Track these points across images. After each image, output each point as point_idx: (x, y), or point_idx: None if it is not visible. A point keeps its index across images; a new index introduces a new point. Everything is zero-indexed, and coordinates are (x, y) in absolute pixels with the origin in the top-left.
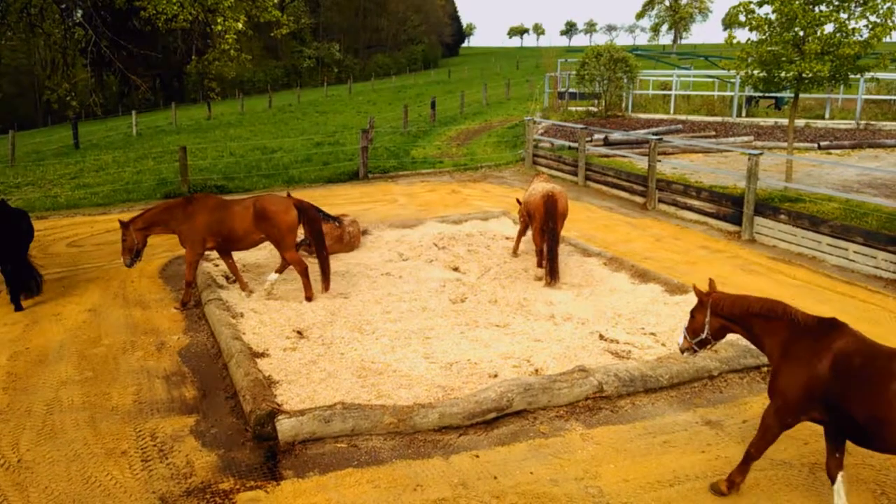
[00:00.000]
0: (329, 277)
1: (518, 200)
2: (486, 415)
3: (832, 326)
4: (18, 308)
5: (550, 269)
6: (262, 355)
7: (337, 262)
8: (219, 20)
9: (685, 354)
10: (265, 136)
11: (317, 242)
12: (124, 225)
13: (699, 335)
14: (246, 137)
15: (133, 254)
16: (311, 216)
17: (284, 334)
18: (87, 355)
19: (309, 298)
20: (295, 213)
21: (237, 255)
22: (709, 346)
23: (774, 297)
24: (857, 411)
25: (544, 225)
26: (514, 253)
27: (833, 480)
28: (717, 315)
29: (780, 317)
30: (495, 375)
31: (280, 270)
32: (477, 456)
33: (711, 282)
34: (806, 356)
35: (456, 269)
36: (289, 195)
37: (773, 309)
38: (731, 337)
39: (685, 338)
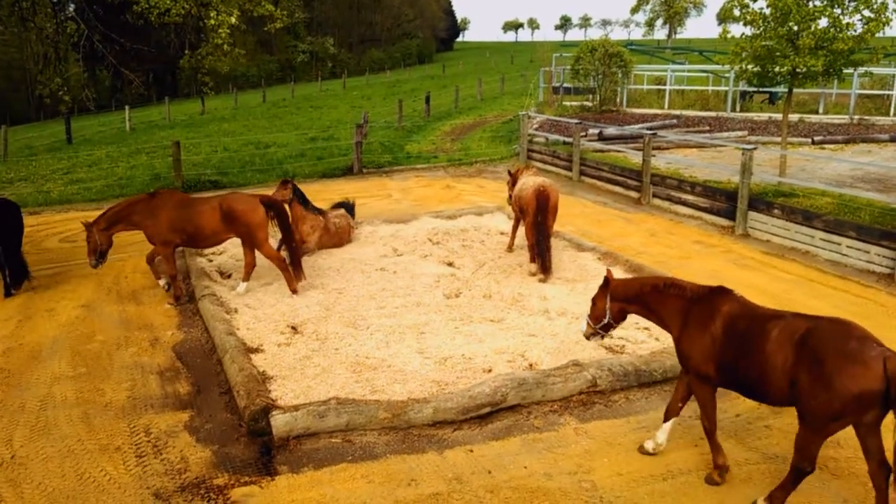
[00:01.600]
0: (301, 269)
1: (509, 171)
2: (481, 409)
3: (720, 293)
4: (8, 294)
5: (542, 263)
6: (256, 351)
7: (331, 258)
8: (212, 14)
9: (592, 340)
10: (259, 130)
11: (285, 236)
12: (87, 226)
13: (602, 320)
14: (240, 132)
15: (97, 255)
16: (279, 210)
17: (279, 330)
18: (80, 351)
19: (294, 291)
20: (263, 211)
21: (231, 250)
22: (611, 330)
23: (764, 292)
24: (745, 371)
25: (535, 219)
26: (509, 248)
27: (666, 421)
28: (616, 300)
29: (672, 289)
30: (489, 370)
31: (246, 278)
32: (471, 450)
33: (609, 272)
34: (702, 322)
35: (450, 265)
36: (291, 180)
37: (663, 284)
38: None
39: (588, 324)
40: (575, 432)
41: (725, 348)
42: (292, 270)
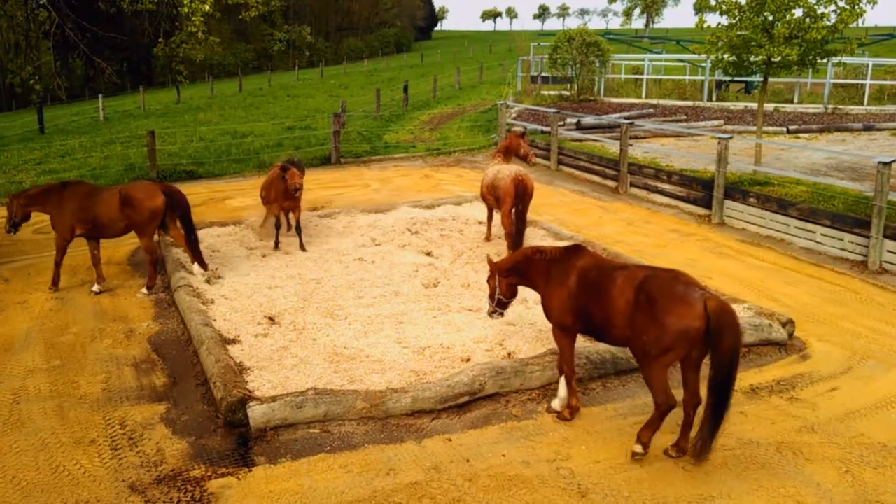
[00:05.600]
0: (203, 260)
1: (509, 130)
2: (459, 399)
3: (575, 250)
4: None
5: (515, 248)
6: (233, 342)
7: (308, 248)
8: (185, 2)
9: (494, 317)
10: (236, 120)
11: (186, 227)
12: (10, 198)
13: (495, 297)
14: (216, 122)
15: (10, 224)
16: (179, 200)
17: (256, 320)
18: (54, 343)
19: (150, 287)
20: (161, 200)
21: (207, 240)
22: (506, 307)
23: (740, 279)
24: (594, 313)
25: (514, 208)
26: (487, 238)
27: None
28: (502, 275)
29: (537, 254)
30: (468, 359)
31: (193, 260)
32: (449, 440)
33: (488, 257)
34: (560, 277)
35: (429, 254)
36: (292, 165)
37: (531, 251)
38: None
39: (488, 304)
40: (553, 420)
41: (579, 297)
42: (196, 261)
